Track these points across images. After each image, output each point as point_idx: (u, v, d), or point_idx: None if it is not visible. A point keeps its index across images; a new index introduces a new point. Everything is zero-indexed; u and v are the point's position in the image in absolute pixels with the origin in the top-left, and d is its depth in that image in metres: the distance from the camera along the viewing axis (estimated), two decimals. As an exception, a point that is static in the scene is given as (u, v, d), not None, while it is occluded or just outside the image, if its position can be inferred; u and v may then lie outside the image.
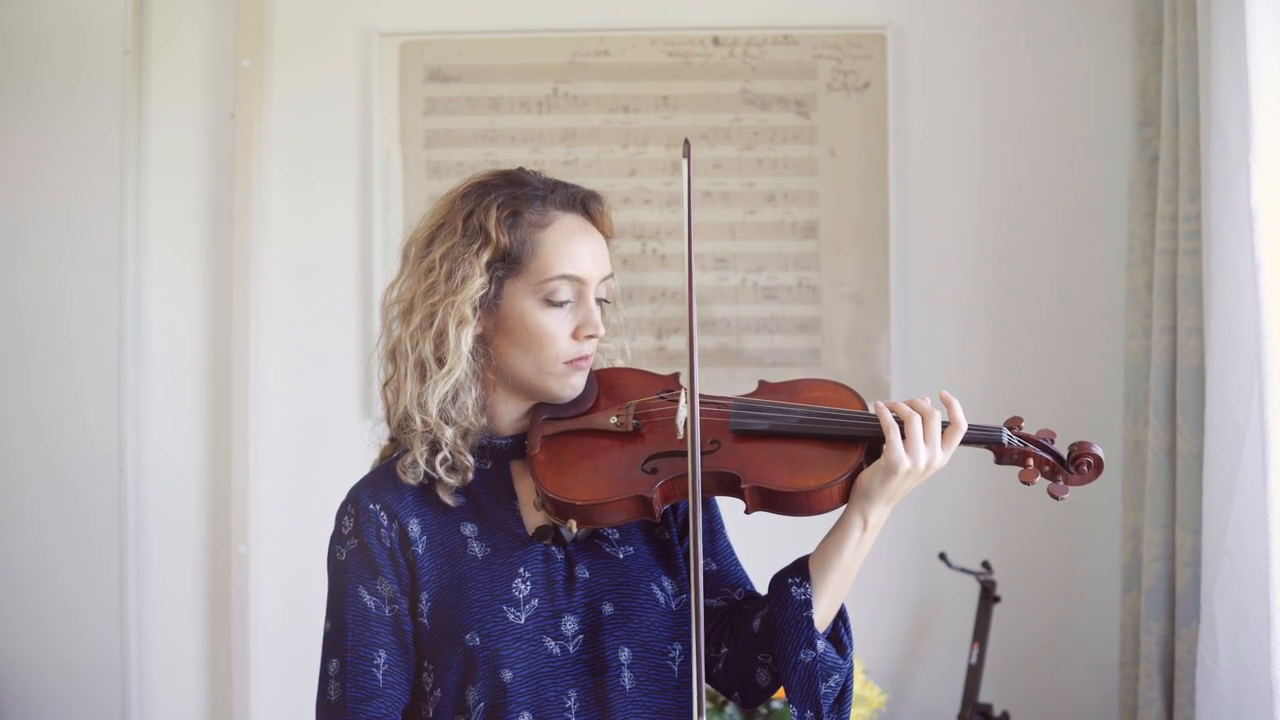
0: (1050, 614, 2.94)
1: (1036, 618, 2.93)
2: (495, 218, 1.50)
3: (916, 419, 1.45)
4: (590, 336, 1.52)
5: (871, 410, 1.48)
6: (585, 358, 1.54)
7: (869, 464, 1.47)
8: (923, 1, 3.00)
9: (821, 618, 1.49)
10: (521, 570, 1.50)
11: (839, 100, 2.98)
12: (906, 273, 2.97)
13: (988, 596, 2.76)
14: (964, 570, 2.81)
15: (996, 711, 2.76)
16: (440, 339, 1.49)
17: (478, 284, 1.49)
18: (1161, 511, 2.57)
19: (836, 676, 1.50)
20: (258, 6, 2.98)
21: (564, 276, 1.51)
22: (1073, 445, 1.52)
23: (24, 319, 2.98)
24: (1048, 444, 1.52)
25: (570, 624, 1.49)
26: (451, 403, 1.50)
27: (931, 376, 2.96)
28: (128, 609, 2.95)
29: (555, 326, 1.51)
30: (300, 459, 3.00)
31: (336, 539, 1.53)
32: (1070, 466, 1.51)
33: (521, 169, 1.59)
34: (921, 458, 1.44)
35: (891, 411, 1.46)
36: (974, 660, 2.73)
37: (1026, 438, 1.52)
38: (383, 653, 1.48)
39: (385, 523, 1.50)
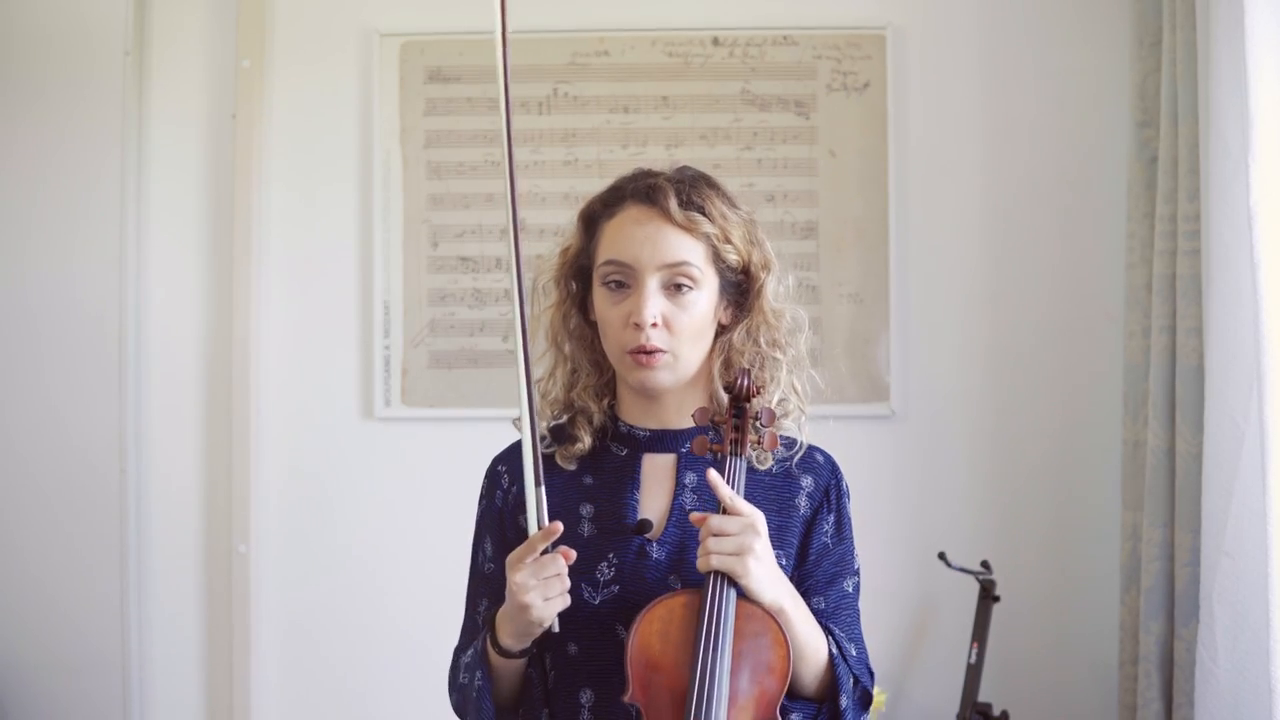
0: (1050, 614, 2.95)
1: (1036, 617, 2.94)
2: (579, 214, 1.62)
3: (706, 541, 1.45)
4: (638, 326, 1.51)
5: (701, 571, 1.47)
6: (644, 350, 1.51)
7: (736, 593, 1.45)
8: (923, 1, 3.00)
9: (797, 686, 1.51)
10: (610, 555, 1.53)
11: (839, 100, 2.99)
12: (906, 273, 2.97)
13: (987, 596, 2.77)
14: (963, 570, 2.81)
15: (996, 711, 2.77)
16: (546, 329, 1.64)
17: (558, 271, 1.62)
18: (1160, 511, 2.57)
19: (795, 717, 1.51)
20: (258, 6, 2.99)
21: (609, 262, 1.55)
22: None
23: (24, 318, 2.98)
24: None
25: None
26: (564, 387, 1.62)
27: (931, 376, 2.97)
28: (128, 609, 2.95)
29: (611, 311, 1.55)
30: (300, 459, 3.00)
31: (478, 500, 1.67)
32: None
33: (642, 170, 1.63)
34: (726, 546, 1.44)
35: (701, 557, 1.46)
36: (973, 660, 2.73)
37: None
38: (485, 602, 1.62)
39: (506, 485, 1.63)
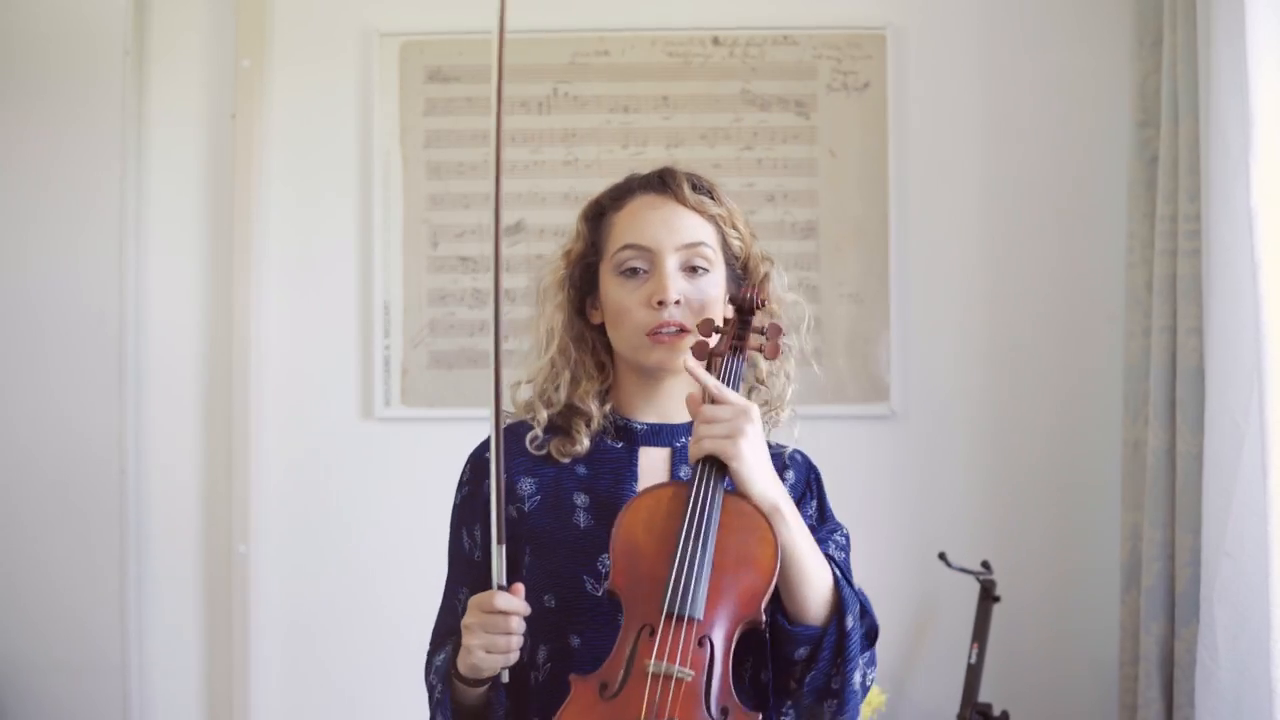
0: (1050, 614, 2.94)
1: (1036, 617, 2.93)
2: (582, 214, 1.65)
3: (698, 428, 1.46)
4: (662, 303, 1.53)
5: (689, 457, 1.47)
6: (666, 326, 1.53)
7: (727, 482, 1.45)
8: (922, 1, 3.00)
9: (800, 609, 1.48)
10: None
11: (839, 100, 2.98)
12: (906, 273, 2.97)
13: (987, 596, 2.77)
14: (964, 570, 2.81)
15: (996, 711, 2.76)
16: (548, 332, 1.63)
17: (562, 274, 1.62)
18: (1161, 511, 2.57)
19: (802, 649, 1.48)
20: (258, 7, 2.99)
21: (628, 246, 1.57)
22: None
23: (24, 318, 2.97)
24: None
25: None
26: (554, 385, 1.61)
27: (931, 376, 2.97)
28: (128, 609, 2.95)
29: (629, 297, 1.56)
30: (300, 458, 3.00)
31: (457, 487, 1.65)
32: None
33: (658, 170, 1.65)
34: (717, 430, 1.44)
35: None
36: (974, 660, 2.73)
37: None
38: (466, 590, 1.58)
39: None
